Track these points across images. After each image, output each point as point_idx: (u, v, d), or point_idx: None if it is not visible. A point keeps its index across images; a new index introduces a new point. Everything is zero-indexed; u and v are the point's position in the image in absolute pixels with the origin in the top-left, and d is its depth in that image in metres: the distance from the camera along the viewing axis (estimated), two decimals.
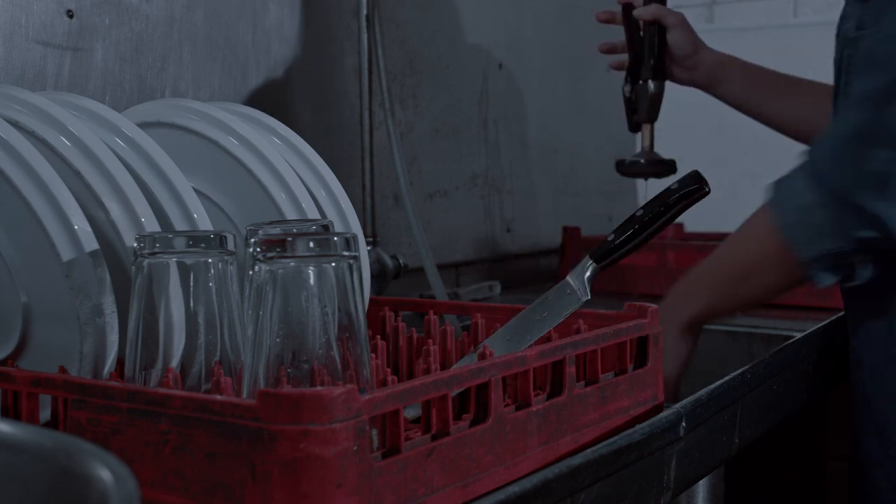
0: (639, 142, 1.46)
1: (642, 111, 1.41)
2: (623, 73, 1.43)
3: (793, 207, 0.99)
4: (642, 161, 1.41)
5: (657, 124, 1.44)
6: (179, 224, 0.79)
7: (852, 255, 0.98)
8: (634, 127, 1.44)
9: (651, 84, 1.40)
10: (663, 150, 1.45)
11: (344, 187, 0.94)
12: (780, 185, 1.03)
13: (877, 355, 1.08)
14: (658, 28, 1.38)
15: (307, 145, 0.94)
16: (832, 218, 0.97)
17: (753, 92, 1.40)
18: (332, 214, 0.90)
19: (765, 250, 1.04)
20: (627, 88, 1.42)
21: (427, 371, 0.79)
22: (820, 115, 1.23)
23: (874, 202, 0.94)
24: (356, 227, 0.92)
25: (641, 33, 1.39)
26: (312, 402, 0.54)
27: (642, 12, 1.38)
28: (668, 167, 1.42)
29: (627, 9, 1.41)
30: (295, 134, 0.95)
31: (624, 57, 1.43)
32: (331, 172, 0.93)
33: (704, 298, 1.08)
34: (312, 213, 0.87)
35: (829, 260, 0.98)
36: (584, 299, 0.85)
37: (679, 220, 0.96)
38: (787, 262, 1.01)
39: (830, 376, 1.24)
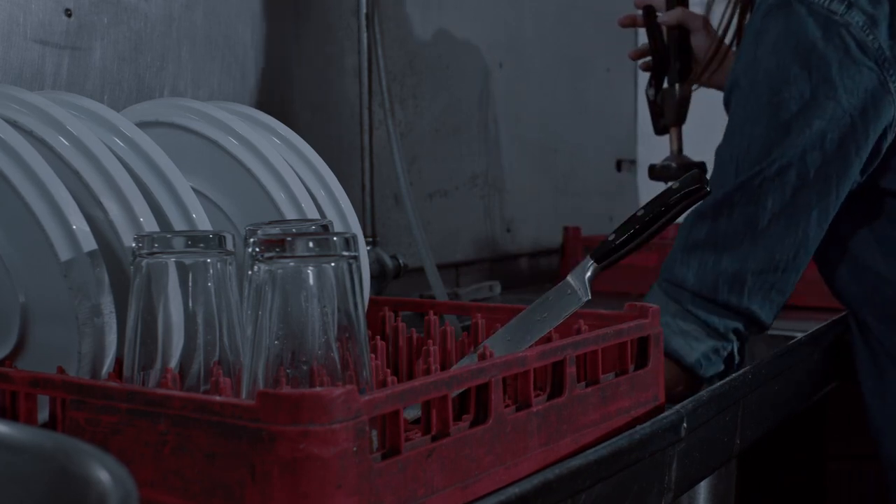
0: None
1: (670, 115, 1.41)
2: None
3: (661, 323, 1.03)
4: (673, 165, 1.41)
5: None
6: (178, 224, 0.78)
7: (730, 345, 1.06)
8: (661, 130, 1.44)
9: (678, 87, 1.40)
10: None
11: (343, 187, 0.93)
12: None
13: None
14: (681, 32, 1.38)
15: (307, 145, 0.94)
16: (701, 319, 1.05)
17: None
18: (331, 214, 0.90)
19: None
20: (651, 92, 1.42)
21: (427, 371, 0.79)
22: None
23: (739, 299, 1.03)
24: (356, 227, 0.91)
25: (665, 37, 1.39)
26: (312, 403, 0.53)
27: (667, 17, 1.38)
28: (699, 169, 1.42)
29: (648, 12, 1.41)
30: (294, 133, 0.94)
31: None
32: (330, 172, 0.93)
33: None
34: (312, 213, 0.86)
35: (711, 355, 1.05)
36: (585, 299, 0.85)
37: (680, 219, 0.96)
38: (673, 369, 1.06)
39: (832, 376, 1.24)
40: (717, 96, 1.46)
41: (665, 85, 1.40)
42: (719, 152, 1.09)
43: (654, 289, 1.09)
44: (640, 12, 1.43)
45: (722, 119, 1.12)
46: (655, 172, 1.44)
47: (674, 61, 1.39)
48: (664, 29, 1.40)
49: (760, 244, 1.04)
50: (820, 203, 1.04)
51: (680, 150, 1.43)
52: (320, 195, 0.90)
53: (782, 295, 1.06)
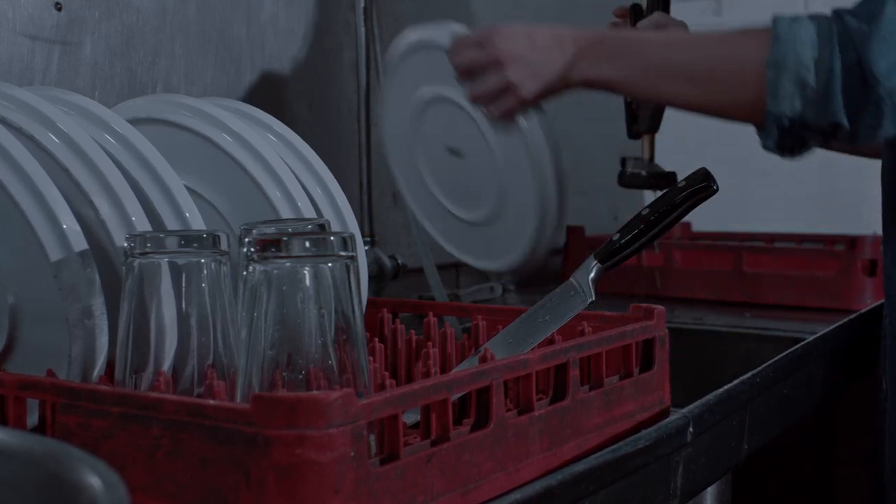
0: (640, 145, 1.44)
1: (643, 122, 1.39)
2: None
3: (797, 54, 0.88)
4: (643, 172, 1.40)
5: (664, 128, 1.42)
6: (171, 223, 0.78)
7: (816, 133, 0.90)
8: (634, 135, 1.42)
9: None
10: (670, 146, 1.44)
11: (341, 185, 0.92)
12: (794, 24, 0.91)
13: None
14: None
15: (303, 142, 0.93)
16: (832, 89, 0.88)
17: None
18: (328, 213, 0.89)
19: (741, 74, 0.93)
20: None
21: (426, 374, 0.78)
22: None
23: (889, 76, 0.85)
24: (353, 227, 0.91)
25: None
26: (309, 407, 0.53)
27: (644, 22, 1.36)
28: (668, 180, 1.41)
29: (635, 11, 1.39)
30: (290, 130, 0.94)
31: None
32: (327, 170, 0.92)
33: (639, 68, 0.99)
34: (308, 212, 0.86)
35: (794, 124, 0.90)
36: (589, 301, 0.84)
37: (686, 218, 0.95)
38: (754, 99, 0.91)
39: (841, 379, 1.23)
40: None
41: None
42: None
43: (821, 20, 0.90)
44: (617, 20, 1.40)
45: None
46: (625, 179, 1.42)
47: None
48: None
49: None
50: None
51: (651, 158, 1.41)
52: (317, 193, 0.90)
53: None
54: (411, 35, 1.17)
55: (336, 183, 0.92)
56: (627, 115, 1.41)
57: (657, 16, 1.35)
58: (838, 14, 0.90)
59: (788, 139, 0.91)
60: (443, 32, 1.10)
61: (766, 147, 0.94)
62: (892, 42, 0.87)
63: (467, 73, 1.02)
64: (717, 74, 0.97)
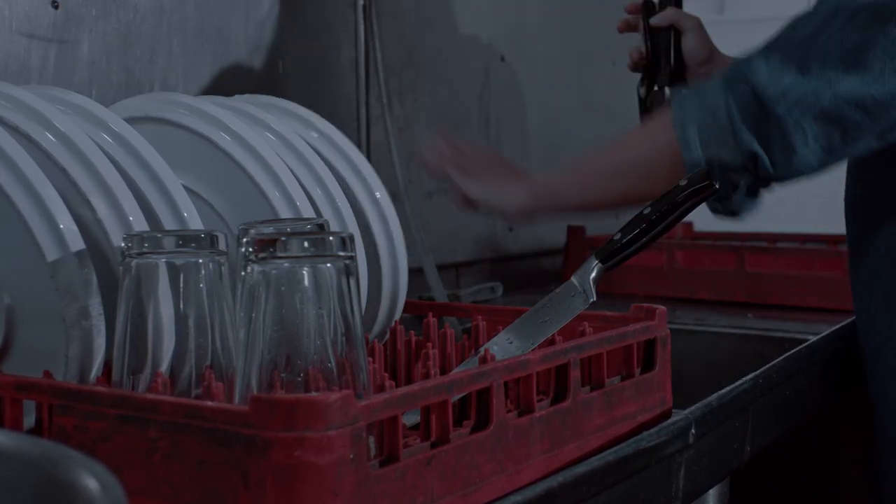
0: None
1: None
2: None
3: (697, 105, 0.96)
4: None
5: None
6: (169, 223, 0.77)
7: (739, 171, 0.96)
8: None
9: (667, 91, 1.37)
10: None
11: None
12: (689, 90, 1.00)
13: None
14: (674, 33, 1.36)
15: (302, 141, 0.92)
16: (735, 123, 0.93)
17: None
18: (327, 213, 0.89)
19: (655, 146, 1.00)
20: (643, 91, 1.40)
21: (426, 375, 0.78)
22: None
23: (800, 116, 0.91)
24: (352, 227, 0.90)
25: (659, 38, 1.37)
26: (307, 409, 0.53)
27: (658, 18, 1.36)
28: None
29: (647, 8, 1.39)
30: (289, 129, 0.93)
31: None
32: (326, 169, 0.92)
33: (582, 187, 1.07)
34: (307, 212, 0.85)
35: (713, 166, 0.95)
36: (590, 301, 0.84)
37: (688, 218, 0.94)
38: (674, 161, 0.97)
39: (843, 380, 1.23)
40: None
41: (655, 87, 1.38)
42: None
43: (718, 73, 0.99)
44: (629, 16, 1.40)
45: None
46: None
47: (664, 64, 1.37)
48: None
49: (861, 74, 0.89)
50: None
51: None
52: (316, 193, 0.89)
53: (839, 142, 0.91)
54: None
55: (335, 182, 0.91)
56: (641, 111, 1.41)
57: (670, 11, 1.35)
58: (734, 62, 0.98)
59: (722, 186, 0.94)
60: None
61: (713, 210, 1.01)
62: (778, 67, 0.93)
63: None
64: (634, 162, 1.04)
